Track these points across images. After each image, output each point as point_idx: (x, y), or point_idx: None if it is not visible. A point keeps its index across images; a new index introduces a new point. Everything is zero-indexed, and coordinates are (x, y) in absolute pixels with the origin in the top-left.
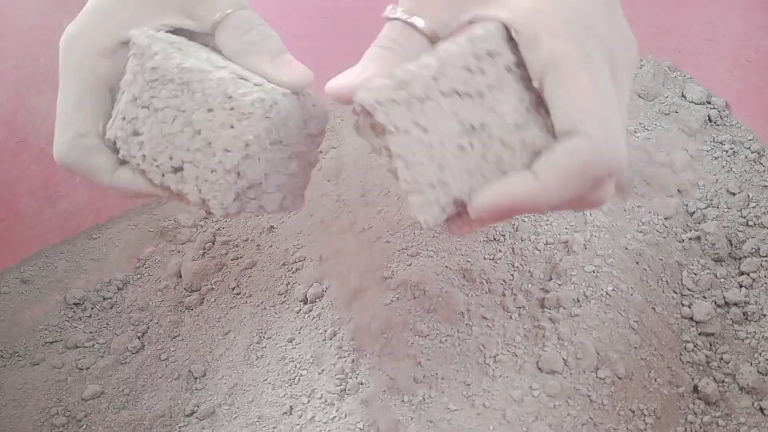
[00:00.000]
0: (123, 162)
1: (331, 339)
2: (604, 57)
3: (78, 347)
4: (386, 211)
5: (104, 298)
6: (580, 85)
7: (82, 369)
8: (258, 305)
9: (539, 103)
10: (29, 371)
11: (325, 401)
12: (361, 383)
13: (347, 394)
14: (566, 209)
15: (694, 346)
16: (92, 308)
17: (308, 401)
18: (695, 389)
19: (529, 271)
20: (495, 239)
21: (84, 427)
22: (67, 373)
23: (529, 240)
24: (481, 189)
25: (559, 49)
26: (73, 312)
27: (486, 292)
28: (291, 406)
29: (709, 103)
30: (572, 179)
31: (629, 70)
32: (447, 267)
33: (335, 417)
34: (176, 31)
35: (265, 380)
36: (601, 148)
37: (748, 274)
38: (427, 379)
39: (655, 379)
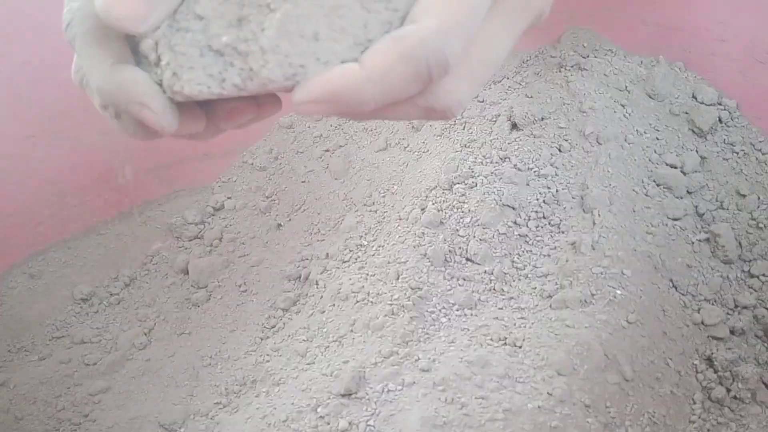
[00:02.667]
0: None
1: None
2: None
3: (85, 343)
4: (392, 209)
5: (111, 294)
6: None
7: (88, 364)
8: (265, 302)
9: None
10: (36, 366)
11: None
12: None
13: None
14: (400, 115)
15: (704, 350)
16: (99, 304)
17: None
18: (704, 393)
19: (536, 272)
20: (500, 240)
21: (91, 422)
22: (73, 368)
23: (537, 240)
24: (304, 80)
25: None
26: (80, 307)
27: (491, 291)
28: (295, 404)
29: (720, 104)
30: (394, 69)
31: (522, 14)
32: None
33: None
34: None
35: (272, 377)
36: (429, 38)
37: (758, 277)
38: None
39: (663, 383)
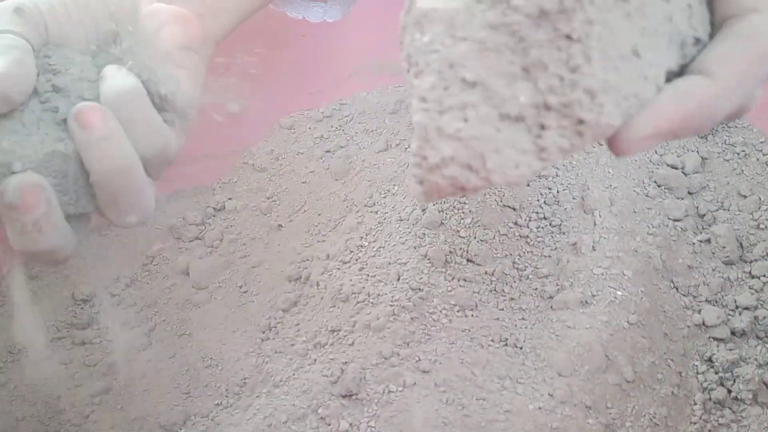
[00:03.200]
0: None
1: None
2: None
3: (86, 344)
4: (393, 210)
5: (112, 295)
6: None
7: (89, 365)
8: (265, 303)
9: None
10: (37, 367)
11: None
12: (368, 382)
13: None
14: (734, 118)
15: (704, 351)
16: (100, 305)
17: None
18: (705, 394)
19: (537, 273)
20: (501, 241)
21: (91, 423)
22: (74, 369)
23: (538, 241)
24: (632, 115)
25: None
26: (81, 308)
27: (492, 292)
28: (296, 405)
29: None
30: (751, 72)
31: None
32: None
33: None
34: None
35: (272, 378)
36: None
37: (759, 278)
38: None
39: (664, 384)
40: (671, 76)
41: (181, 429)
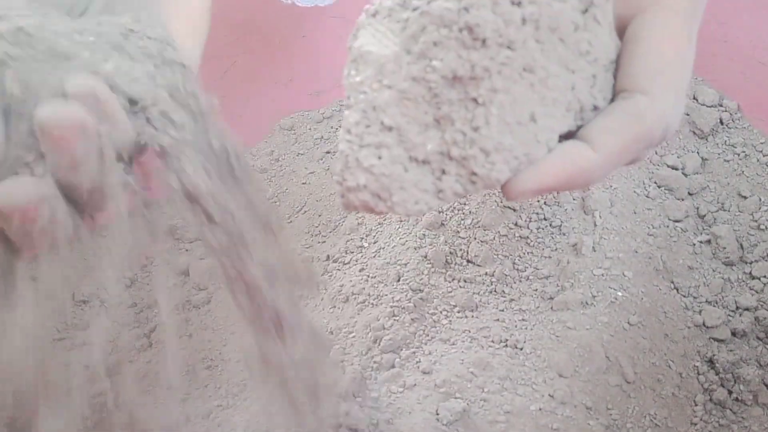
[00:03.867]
0: None
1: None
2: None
3: (85, 344)
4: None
5: (112, 296)
6: (671, 39)
7: (89, 366)
8: None
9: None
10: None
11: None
12: (368, 383)
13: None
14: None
15: (705, 352)
16: (100, 306)
17: None
18: (705, 395)
19: (537, 274)
20: (501, 242)
21: (90, 424)
22: (74, 371)
23: (538, 242)
24: (527, 168)
25: None
26: (81, 309)
27: (492, 293)
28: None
29: (721, 105)
30: (630, 148)
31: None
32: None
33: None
34: None
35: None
36: (666, 114)
37: (759, 279)
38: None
39: (665, 384)
40: (564, 137)
41: (182, 430)
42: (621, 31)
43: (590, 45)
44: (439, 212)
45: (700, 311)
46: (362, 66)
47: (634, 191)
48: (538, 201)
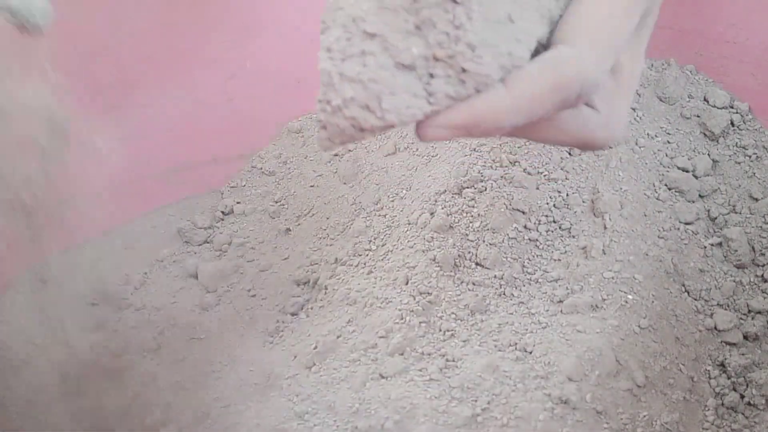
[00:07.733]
0: None
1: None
2: None
3: (93, 348)
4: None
5: (121, 298)
6: (602, 4)
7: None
8: (273, 307)
9: None
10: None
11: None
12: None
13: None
14: (546, 139)
15: (717, 356)
16: (108, 308)
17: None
18: (717, 399)
19: (547, 277)
20: (510, 245)
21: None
22: None
23: (547, 245)
24: (508, 71)
25: None
26: (90, 312)
27: (501, 296)
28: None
29: (732, 107)
30: (544, 97)
31: (650, 29)
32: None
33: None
34: None
35: (281, 382)
36: (587, 69)
37: None
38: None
39: (676, 389)
40: (543, 48)
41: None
42: None
43: None
44: (447, 215)
45: (712, 314)
46: None
47: (644, 193)
48: (547, 203)
